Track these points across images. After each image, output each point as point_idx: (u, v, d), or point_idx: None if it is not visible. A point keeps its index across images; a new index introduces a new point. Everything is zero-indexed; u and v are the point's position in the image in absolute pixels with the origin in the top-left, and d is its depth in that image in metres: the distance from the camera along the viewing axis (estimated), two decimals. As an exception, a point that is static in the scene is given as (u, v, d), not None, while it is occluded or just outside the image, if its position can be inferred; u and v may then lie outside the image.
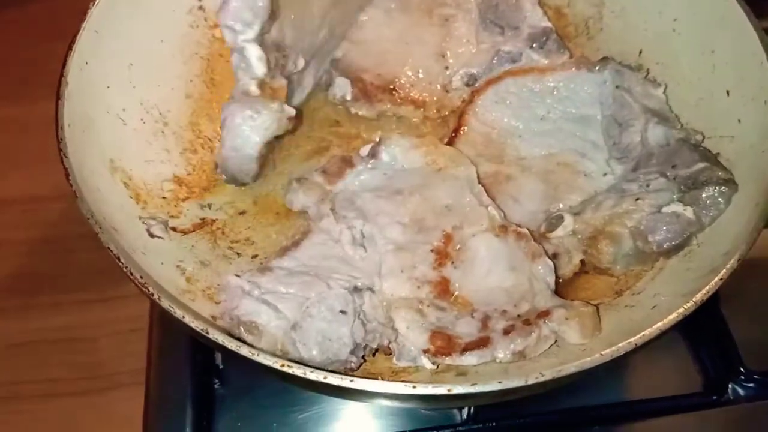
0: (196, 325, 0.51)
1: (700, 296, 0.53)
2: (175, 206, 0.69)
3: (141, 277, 0.54)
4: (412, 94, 0.78)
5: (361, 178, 0.69)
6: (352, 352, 0.58)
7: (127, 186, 0.66)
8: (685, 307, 0.52)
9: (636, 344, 0.50)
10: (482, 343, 0.58)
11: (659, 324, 0.51)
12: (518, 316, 0.60)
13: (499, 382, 0.48)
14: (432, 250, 0.64)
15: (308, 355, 0.56)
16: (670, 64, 0.74)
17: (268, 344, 0.56)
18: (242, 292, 0.59)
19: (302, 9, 0.69)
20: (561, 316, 0.58)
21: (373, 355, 0.61)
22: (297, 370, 0.49)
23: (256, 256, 0.68)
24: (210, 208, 0.71)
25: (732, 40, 0.67)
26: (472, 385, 0.48)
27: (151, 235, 0.64)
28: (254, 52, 0.63)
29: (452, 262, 0.63)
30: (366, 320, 0.59)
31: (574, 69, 0.75)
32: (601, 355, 0.50)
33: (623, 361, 0.51)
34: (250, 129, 0.65)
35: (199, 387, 0.71)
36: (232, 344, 0.50)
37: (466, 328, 0.59)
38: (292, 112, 0.67)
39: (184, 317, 0.52)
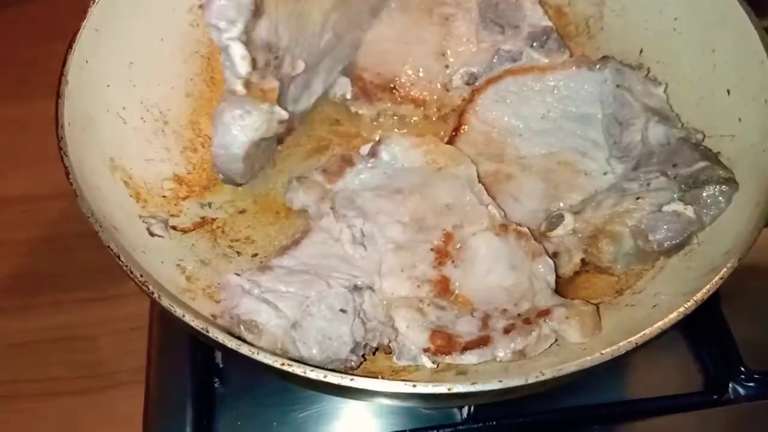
0: (196, 323, 0.51)
1: (700, 295, 0.53)
2: (175, 205, 0.69)
3: (141, 276, 0.54)
4: (412, 93, 0.78)
5: (361, 177, 0.69)
6: (352, 351, 0.58)
7: (128, 185, 0.66)
8: (685, 306, 0.52)
9: (636, 343, 0.50)
10: (482, 342, 0.58)
11: (660, 323, 0.51)
12: (518, 315, 0.60)
13: (500, 381, 0.48)
14: (432, 249, 0.63)
15: (308, 354, 0.56)
16: (671, 63, 0.74)
17: (268, 343, 0.56)
18: (242, 291, 0.59)
19: (300, 11, 0.68)
20: (561, 315, 0.58)
21: (373, 354, 0.61)
22: (297, 369, 0.49)
23: (256, 254, 0.68)
24: (210, 207, 0.71)
25: (733, 39, 0.67)
26: (473, 384, 0.48)
27: (151, 234, 0.64)
28: (238, 51, 0.62)
29: (452, 261, 0.63)
30: (366, 319, 0.59)
31: (574, 68, 0.75)
32: (602, 354, 0.50)
33: (623, 360, 0.51)
34: (239, 129, 0.65)
35: (199, 386, 0.71)
36: (232, 343, 0.50)
37: (466, 327, 0.59)
38: (284, 115, 0.66)
39: (184, 316, 0.52)
